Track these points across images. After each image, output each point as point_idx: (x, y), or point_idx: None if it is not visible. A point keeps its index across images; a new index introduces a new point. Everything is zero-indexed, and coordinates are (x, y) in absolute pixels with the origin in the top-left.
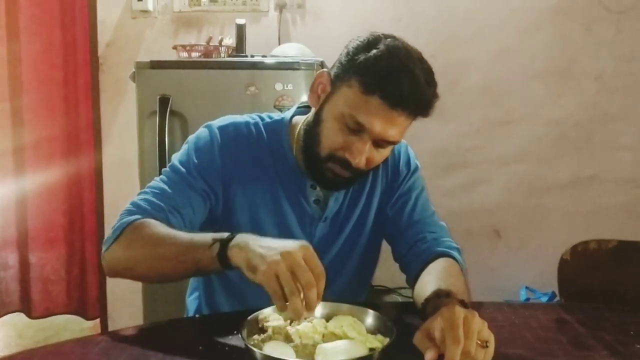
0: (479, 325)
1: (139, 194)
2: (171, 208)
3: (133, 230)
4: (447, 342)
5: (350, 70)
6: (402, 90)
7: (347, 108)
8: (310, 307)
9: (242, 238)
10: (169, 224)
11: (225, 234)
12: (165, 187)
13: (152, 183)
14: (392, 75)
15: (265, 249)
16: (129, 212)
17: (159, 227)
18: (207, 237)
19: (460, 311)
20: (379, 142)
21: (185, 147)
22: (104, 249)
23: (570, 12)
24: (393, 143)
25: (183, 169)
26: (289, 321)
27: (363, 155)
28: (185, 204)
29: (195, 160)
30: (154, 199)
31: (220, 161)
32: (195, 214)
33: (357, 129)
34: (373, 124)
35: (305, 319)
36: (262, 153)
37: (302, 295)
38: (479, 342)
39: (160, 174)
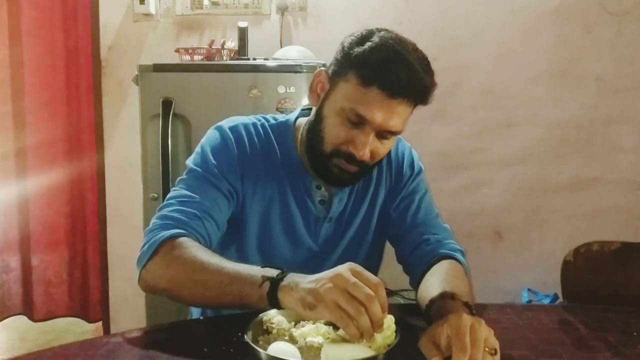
0: (486, 333)
1: (162, 207)
2: (204, 214)
3: (172, 249)
4: (453, 350)
5: (347, 65)
6: (399, 79)
7: (347, 102)
8: (376, 323)
9: (292, 278)
10: (205, 230)
11: (274, 271)
12: (190, 192)
13: (173, 193)
14: (388, 64)
15: (314, 282)
16: (164, 226)
17: (198, 250)
18: (255, 272)
19: (467, 319)
20: (382, 133)
21: (198, 151)
22: (139, 266)
23: (571, 15)
24: (395, 133)
25: (202, 171)
26: (293, 322)
27: (367, 147)
28: (214, 206)
29: (214, 161)
30: (184, 208)
31: (237, 159)
32: (222, 215)
33: (358, 122)
34: (374, 115)
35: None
36: (270, 154)
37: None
38: (487, 349)
39: (163, 176)
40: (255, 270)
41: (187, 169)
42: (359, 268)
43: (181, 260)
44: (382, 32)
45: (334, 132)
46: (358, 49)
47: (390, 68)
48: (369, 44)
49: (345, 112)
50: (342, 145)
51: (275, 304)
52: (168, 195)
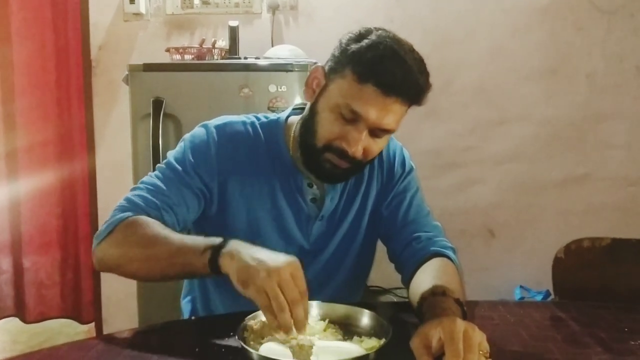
0: (479, 338)
1: (133, 189)
2: (165, 205)
3: (126, 228)
4: (446, 355)
5: (343, 61)
6: (395, 77)
7: (342, 98)
8: (298, 324)
9: (234, 246)
10: (163, 221)
11: (217, 240)
12: (160, 183)
13: (146, 179)
14: (385, 62)
15: (255, 261)
16: (123, 208)
17: (152, 227)
18: (199, 241)
19: (460, 324)
20: (375, 131)
21: (181, 144)
22: (95, 243)
23: (562, 13)
24: (389, 132)
25: (179, 167)
26: None
27: (359, 144)
28: (180, 202)
29: (192, 159)
30: (148, 195)
31: (217, 160)
32: (189, 212)
33: (352, 118)
34: (368, 111)
35: (295, 338)
36: (259, 152)
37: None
38: (481, 352)
39: None
40: (199, 240)
41: (166, 160)
42: (298, 269)
43: (132, 237)
44: (380, 31)
45: (327, 127)
46: (355, 46)
47: (386, 66)
48: (366, 41)
49: (339, 107)
50: (335, 141)
51: (217, 271)
52: (142, 179)
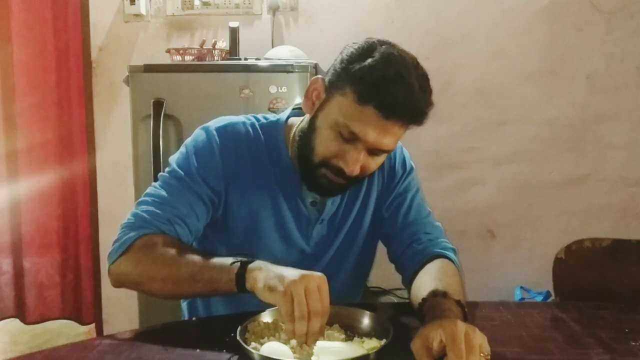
0: (480, 340)
1: (139, 203)
2: (176, 219)
3: (143, 247)
4: (449, 357)
5: (345, 79)
6: (396, 101)
7: (341, 117)
8: (309, 337)
9: (261, 262)
10: (176, 234)
11: (243, 258)
12: (167, 195)
13: (151, 190)
14: (387, 85)
15: (285, 270)
16: (133, 225)
17: (170, 246)
18: (225, 259)
19: (461, 326)
20: (374, 151)
21: (183, 150)
22: (109, 261)
23: (562, 13)
24: (387, 152)
25: (183, 174)
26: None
27: (357, 163)
28: (190, 212)
29: (196, 164)
30: (157, 210)
31: (221, 162)
32: (199, 221)
33: (351, 138)
34: (367, 133)
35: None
36: (259, 153)
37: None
38: (482, 354)
39: (155, 177)
40: (224, 259)
41: (170, 167)
42: (325, 285)
43: (151, 257)
44: (384, 47)
45: (325, 144)
46: (358, 65)
47: (388, 89)
48: (369, 60)
49: (338, 126)
50: (332, 159)
51: (242, 286)
52: (146, 191)
